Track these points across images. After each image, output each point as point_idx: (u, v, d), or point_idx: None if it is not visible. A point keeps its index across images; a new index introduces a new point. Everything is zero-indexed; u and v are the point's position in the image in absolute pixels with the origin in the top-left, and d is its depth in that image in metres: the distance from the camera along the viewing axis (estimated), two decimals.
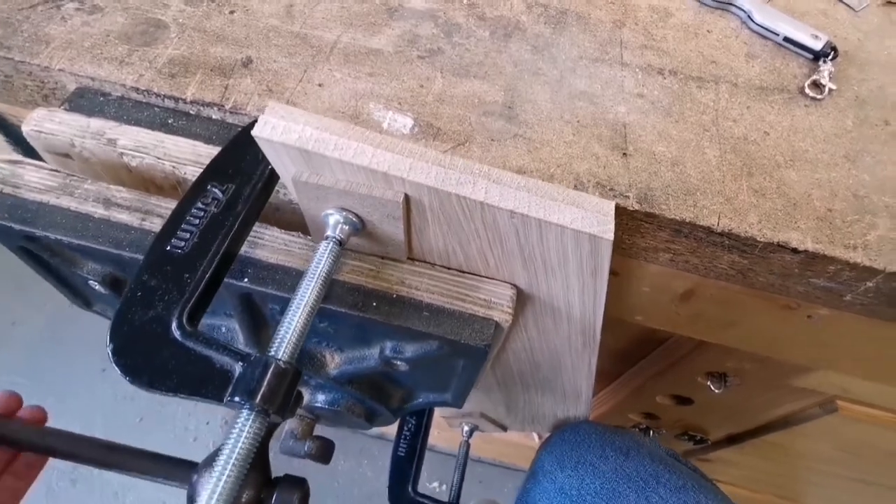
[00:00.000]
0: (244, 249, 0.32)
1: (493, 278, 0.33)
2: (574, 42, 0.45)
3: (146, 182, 0.36)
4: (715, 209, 0.37)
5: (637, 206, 0.36)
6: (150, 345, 0.23)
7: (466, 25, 0.45)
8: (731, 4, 0.50)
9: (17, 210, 0.32)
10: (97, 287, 0.37)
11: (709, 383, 0.56)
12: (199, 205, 0.28)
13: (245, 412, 0.23)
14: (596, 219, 0.27)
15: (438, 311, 0.31)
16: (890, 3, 0.55)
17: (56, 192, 0.33)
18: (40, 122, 0.35)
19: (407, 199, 0.26)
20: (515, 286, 0.33)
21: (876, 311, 0.39)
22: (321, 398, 0.43)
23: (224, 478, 0.21)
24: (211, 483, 0.21)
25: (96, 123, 0.35)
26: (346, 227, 0.28)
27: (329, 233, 0.28)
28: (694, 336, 0.49)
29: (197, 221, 0.27)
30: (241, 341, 0.39)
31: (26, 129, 0.35)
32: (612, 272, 0.44)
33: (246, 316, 0.35)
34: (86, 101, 0.37)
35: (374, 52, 0.42)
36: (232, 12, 0.43)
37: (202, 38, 0.41)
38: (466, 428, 0.76)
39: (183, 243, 0.27)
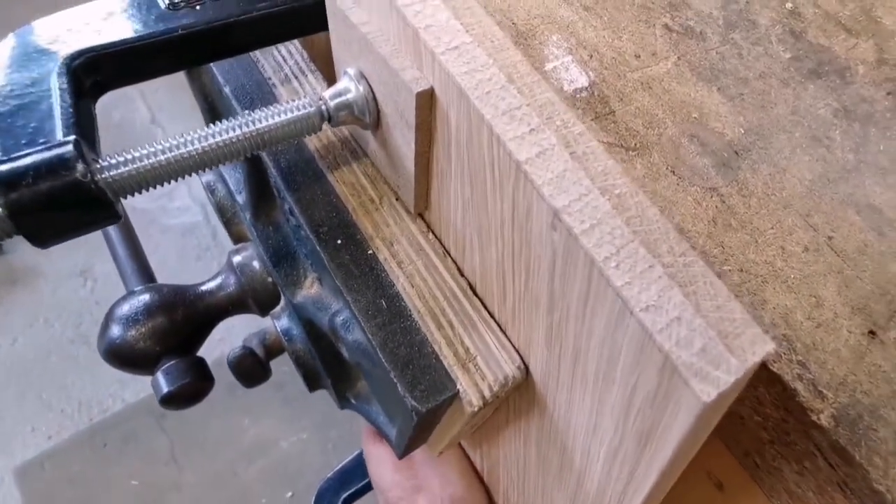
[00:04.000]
0: (264, 67, 0.24)
1: (505, 332, 0.19)
2: None
3: None
4: None
5: (829, 424, 0.19)
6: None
7: (766, 30, 0.30)
8: None
9: None
10: None
11: None
12: None
13: None
14: (704, 338, 0.12)
15: (402, 317, 0.19)
16: None
17: None
18: None
19: (432, 98, 0.15)
20: (526, 366, 0.19)
21: None
22: (283, 321, 0.34)
23: None
24: None
25: None
26: (349, 104, 0.18)
27: (324, 94, 0.18)
28: None
29: None
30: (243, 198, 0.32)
31: None
32: (717, 483, 0.26)
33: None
34: None
35: None
36: None
37: None
38: None
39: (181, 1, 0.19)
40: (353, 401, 0.34)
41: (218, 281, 0.36)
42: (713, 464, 0.25)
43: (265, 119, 0.17)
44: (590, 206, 0.14)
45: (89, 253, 1.43)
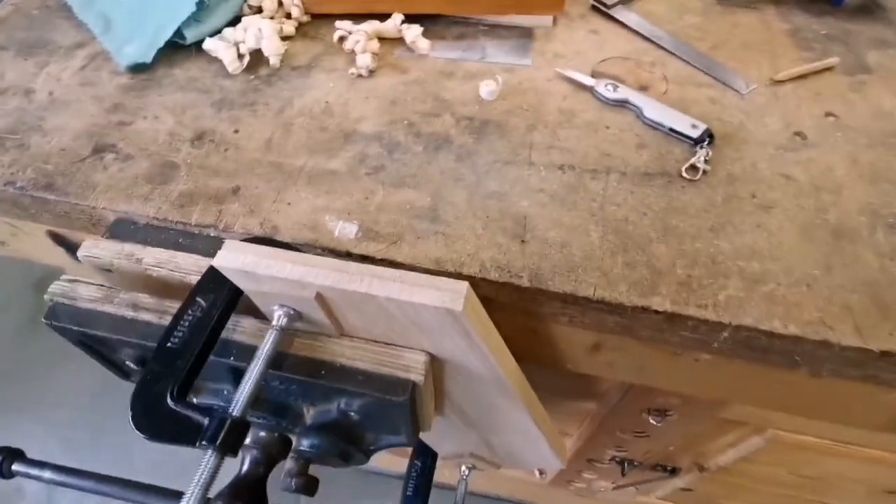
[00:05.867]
0: (229, 335, 0.44)
1: (409, 347, 0.44)
2: (491, 149, 0.57)
3: (165, 286, 0.49)
4: (592, 282, 0.47)
5: (528, 284, 0.47)
6: (154, 411, 0.35)
7: (405, 142, 0.58)
8: (626, 102, 0.61)
9: (75, 316, 0.46)
10: (132, 365, 0.50)
11: (650, 419, 0.64)
12: (189, 312, 0.40)
13: (209, 452, 0.34)
14: (449, 296, 0.37)
15: (370, 375, 0.42)
16: (776, 81, 0.65)
17: (100, 302, 0.46)
18: (89, 249, 0.49)
19: (320, 295, 0.38)
20: (426, 352, 0.43)
21: (740, 354, 0.48)
22: (305, 443, 0.54)
23: (190, 500, 0.33)
24: None
25: (128, 247, 0.49)
26: (286, 318, 0.40)
27: (273, 323, 0.40)
28: (616, 379, 0.58)
29: (187, 324, 0.40)
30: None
31: (80, 254, 0.49)
32: (532, 331, 0.54)
33: (237, 382, 0.47)
34: (121, 228, 0.51)
35: (332, 173, 0.55)
36: (226, 150, 0.56)
37: (204, 174, 0.54)
38: (465, 468, 0.85)
39: (177, 340, 0.39)
40: (371, 448, 0.55)
41: (248, 461, 0.54)
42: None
43: (269, 353, 0.39)
44: (391, 287, 0.37)
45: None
